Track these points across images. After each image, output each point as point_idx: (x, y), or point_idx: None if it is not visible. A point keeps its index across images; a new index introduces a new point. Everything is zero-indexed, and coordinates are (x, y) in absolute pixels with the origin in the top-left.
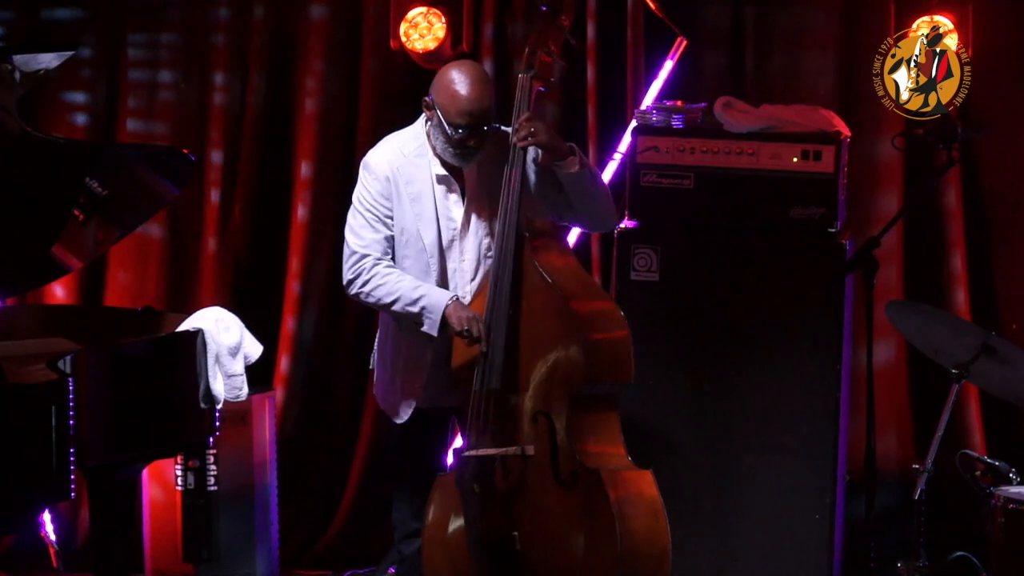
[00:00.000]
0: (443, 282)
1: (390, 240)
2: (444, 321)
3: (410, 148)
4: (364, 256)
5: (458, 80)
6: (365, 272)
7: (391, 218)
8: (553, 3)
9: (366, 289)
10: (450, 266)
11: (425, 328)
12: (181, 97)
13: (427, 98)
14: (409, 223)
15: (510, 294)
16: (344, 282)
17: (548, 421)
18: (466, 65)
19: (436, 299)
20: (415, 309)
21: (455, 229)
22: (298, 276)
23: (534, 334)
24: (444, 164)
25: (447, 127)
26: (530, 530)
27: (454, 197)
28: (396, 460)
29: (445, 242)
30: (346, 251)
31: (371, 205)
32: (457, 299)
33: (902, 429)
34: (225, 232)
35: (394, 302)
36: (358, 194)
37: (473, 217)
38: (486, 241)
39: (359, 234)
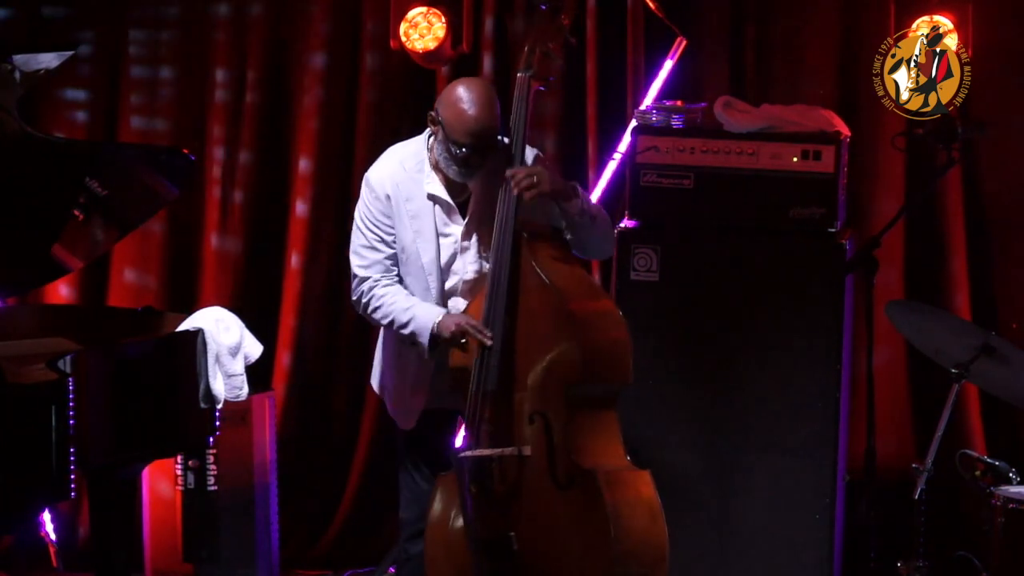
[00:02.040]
0: (442, 300)
1: (393, 258)
2: (434, 341)
3: (411, 164)
4: (364, 279)
5: (465, 99)
6: (364, 295)
7: (393, 236)
8: (553, 2)
9: (367, 311)
10: (450, 283)
11: (418, 349)
12: (181, 94)
13: (432, 112)
14: (408, 241)
15: (507, 294)
16: (352, 302)
17: (545, 421)
18: (474, 83)
19: (423, 322)
20: (406, 332)
21: (455, 243)
22: (298, 273)
23: (531, 334)
24: (444, 179)
25: (450, 145)
26: (527, 530)
27: (454, 215)
28: (402, 459)
29: (444, 259)
30: (351, 271)
31: (372, 225)
32: (444, 313)
33: (902, 429)
34: (225, 229)
35: (391, 324)
36: (360, 212)
37: (475, 231)
38: (485, 258)
39: (361, 255)
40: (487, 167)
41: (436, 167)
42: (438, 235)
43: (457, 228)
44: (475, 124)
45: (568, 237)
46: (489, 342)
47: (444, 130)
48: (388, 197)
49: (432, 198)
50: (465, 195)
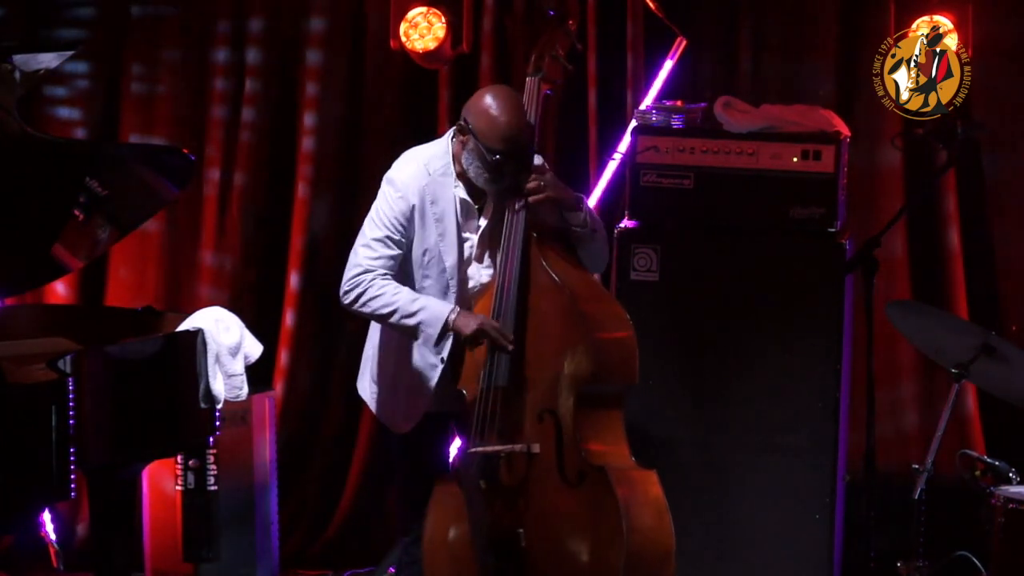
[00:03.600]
0: (462, 303)
1: (398, 259)
2: (444, 333)
3: (436, 167)
4: (368, 271)
5: (495, 106)
6: (362, 285)
7: (406, 240)
8: (560, 7)
9: (362, 300)
10: (470, 286)
11: (421, 341)
12: (179, 90)
13: (461, 123)
14: (432, 244)
15: (518, 293)
16: (340, 292)
17: (554, 419)
18: (501, 90)
19: (435, 312)
20: (412, 322)
21: (472, 247)
22: (298, 272)
23: (541, 333)
24: (468, 185)
25: (485, 152)
26: (535, 528)
27: (472, 221)
28: (404, 463)
29: (465, 262)
30: (352, 259)
31: (391, 222)
32: (459, 310)
33: (902, 429)
34: (225, 228)
35: (391, 314)
36: (379, 207)
37: (490, 239)
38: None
39: (372, 247)
40: None
41: (461, 175)
42: (460, 239)
43: (475, 232)
44: (508, 129)
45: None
46: (510, 347)
47: (476, 138)
48: (413, 203)
49: (460, 202)
50: (482, 200)
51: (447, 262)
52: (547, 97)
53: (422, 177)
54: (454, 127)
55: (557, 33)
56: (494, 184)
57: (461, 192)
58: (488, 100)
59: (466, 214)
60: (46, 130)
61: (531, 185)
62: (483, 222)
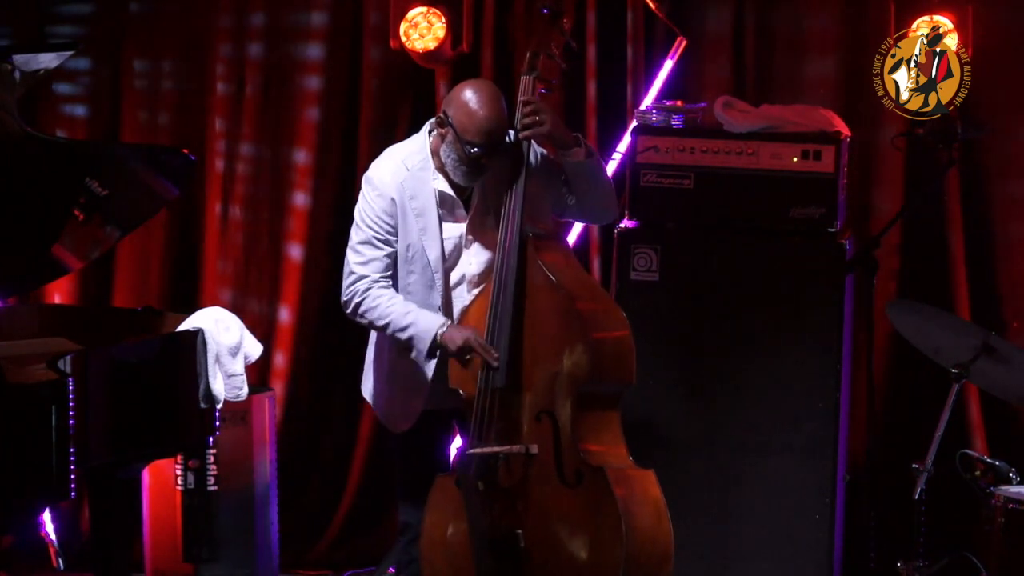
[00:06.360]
0: (447, 296)
1: (392, 257)
2: (433, 349)
3: (414, 162)
4: (361, 278)
5: (474, 100)
6: (358, 295)
7: (394, 236)
8: (554, 6)
9: (359, 311)
10: (454, 278)
11: (413, 356)
12: (182, 89)
13: (440, 115)
14: (414, 239)
15: (514, 294)
16: (341, 302)
17: (552, 420)
18: (481, 84)
19: (425, 327)
20: (403, 336)
21: (460, 238)
22: (298, 272)
23: (538, 333)
24: (449, 179)
25: (463, 145)
26: (534, 528)
27: (458, 211)
28: (403, 462)
29: (449, 255)
30: (345, 269)
31: (373, 222)
32: (449, 324)
33: (902, 429)
34: (226, 227)
35: (386, 326)
36: (360, 210)
37: (479, 228)
38: (490, 252)
39: (360, 251)
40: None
41: (440, 169)
42: (442, 231)
43: (462, 224)
44: (487, 123)
45: (571, 202)
46: (495, 363)
47: (455, 131)
48: (392, 198)
49: (440, 195)
50: (468, 191)
51: (430, 256)
52: (542, 96)
53: (400, 173)
54: (429, 121)
55: (552, 31)
56: (470, 178)
57: (441, 185)
58: (468, 94)
59: (449, 206)
60: (46, 127)
61: (526, 120)
62: (471, 211)
